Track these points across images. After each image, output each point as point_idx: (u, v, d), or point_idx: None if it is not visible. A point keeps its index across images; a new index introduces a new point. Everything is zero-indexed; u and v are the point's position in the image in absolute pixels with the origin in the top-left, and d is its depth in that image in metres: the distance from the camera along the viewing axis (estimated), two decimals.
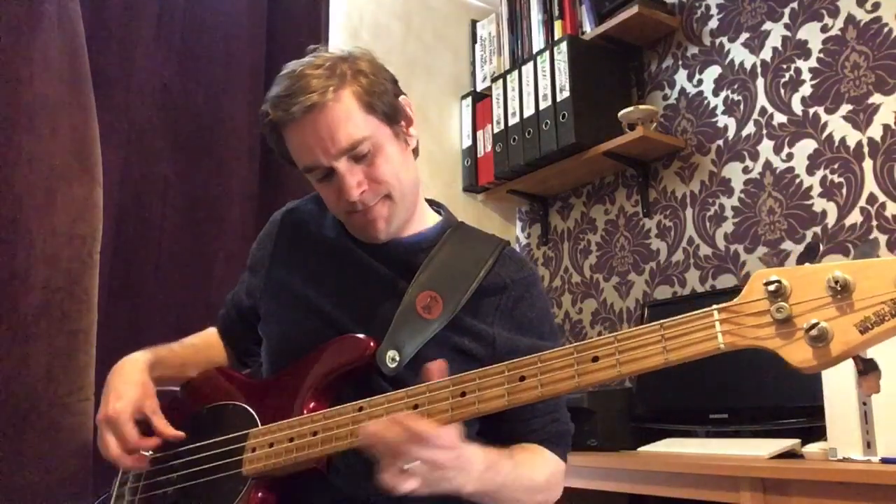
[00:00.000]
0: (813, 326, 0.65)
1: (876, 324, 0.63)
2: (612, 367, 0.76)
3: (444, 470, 0.80)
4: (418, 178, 1.10)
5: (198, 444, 1.04)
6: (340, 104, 0.97)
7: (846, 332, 0.64)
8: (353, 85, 0.99)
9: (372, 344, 0.99)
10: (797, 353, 0.67)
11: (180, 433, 1.03)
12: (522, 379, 0.81)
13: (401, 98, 1.06)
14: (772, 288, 0.68)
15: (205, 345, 1.22)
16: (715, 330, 0.71)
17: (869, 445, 1.35)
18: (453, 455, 0.81)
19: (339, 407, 0.92)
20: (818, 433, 1.53)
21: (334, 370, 1.00)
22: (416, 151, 1.11)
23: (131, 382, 1.03)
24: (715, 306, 0.72)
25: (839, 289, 0.65)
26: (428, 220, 1.14)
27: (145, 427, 1.02)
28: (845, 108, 1.88)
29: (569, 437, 1.07)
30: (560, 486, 1.05)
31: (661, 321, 0.74)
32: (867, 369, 0.67)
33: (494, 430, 1.04)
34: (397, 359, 0.98)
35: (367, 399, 0.90)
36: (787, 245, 1.96)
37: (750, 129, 2.09)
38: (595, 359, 0.77)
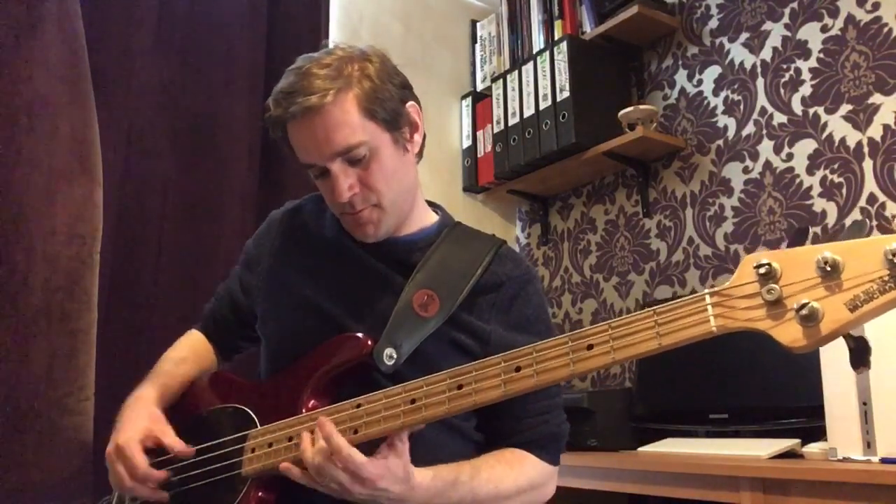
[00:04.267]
0: (803, 306, 0.65)
1: (865, 301, 0.64)
2: (606, 353, 0.76)
3: (352, 493, 0.86)
4: (416, 181, 1.11)
5: (198, 448, 1.04)
6: (338, 108, 0.98)
7: (836, 311, 0.65)
8: (356, 88, 0.99)
9: (369, 342, 1.00)
10: (788, 333, 0.67)
11: (191, 450, 1.03)
12: (518, 369, 0.82)
13: (408, 104, 1.06)
14: (762, 271, 0.69)
15: (195, 355, 1.21)
16: (707, 314, 0.71)
17: (869, 445, 1.35)
18: (359, 482, 0.85)
19: (337, 404, 0.93)
20: (818, 433, 1.53)
21: (332, 369, 1.01)
22: (420, 154, 1.11)
23: (140, 417, 1.05)
24: (707, 290, 0.73)
25: (828, 269, 0.65)
26: (426, 219, 1.14)
27: (155, 456, 1.03)
28: (845, 108, 1.88)
29: (559, 440, 1.07)
30: (545, 488, 1.06)
31: (655, 307, 0.75)
32: (858, 346, 0.67)
33: (490, 426, 1.06)
34: (395, 356, 0.98)
35: (365, 396, 0.91)
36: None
37: (750, 129, 2.09)
38: (590, 346, 0.78)
